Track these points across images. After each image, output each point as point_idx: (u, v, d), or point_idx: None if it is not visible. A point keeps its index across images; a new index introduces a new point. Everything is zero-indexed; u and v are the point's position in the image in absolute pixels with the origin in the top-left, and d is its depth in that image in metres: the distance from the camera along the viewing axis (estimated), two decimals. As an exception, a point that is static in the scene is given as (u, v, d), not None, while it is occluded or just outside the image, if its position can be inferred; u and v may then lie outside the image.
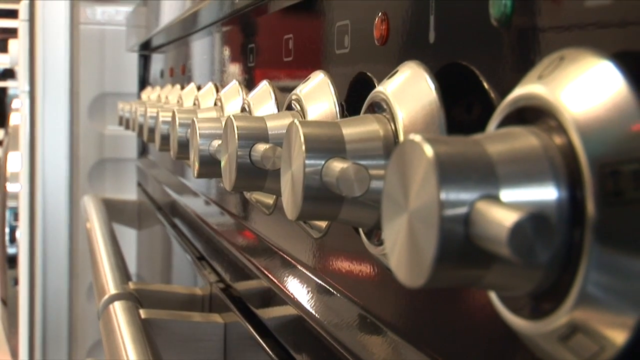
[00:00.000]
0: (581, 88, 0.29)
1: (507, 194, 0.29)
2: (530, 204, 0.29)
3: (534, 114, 0.31)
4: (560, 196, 0.29)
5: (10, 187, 3.29)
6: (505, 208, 0.27)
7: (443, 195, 0.29)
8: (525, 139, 0.30)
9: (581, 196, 0.28)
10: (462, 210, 0.29)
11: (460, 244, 0.29)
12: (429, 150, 0.29)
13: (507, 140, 0.30)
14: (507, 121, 0.32)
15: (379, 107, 0.45)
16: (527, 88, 0.32)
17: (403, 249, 0.32)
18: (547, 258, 0.27)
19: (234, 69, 0.95)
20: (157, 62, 1.74)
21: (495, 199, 0.29)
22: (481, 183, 0.29)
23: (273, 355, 0.72)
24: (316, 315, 0.61)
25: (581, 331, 0.29)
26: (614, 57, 0.30)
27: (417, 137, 0.30)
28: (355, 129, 0.44)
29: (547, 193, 0.29)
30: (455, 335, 0.42)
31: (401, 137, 0.43)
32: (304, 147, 0.44)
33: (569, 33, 0.33)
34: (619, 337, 0.28)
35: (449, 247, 0.29)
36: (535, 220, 0.26)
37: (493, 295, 0.33)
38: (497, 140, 0.30)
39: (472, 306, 0.40)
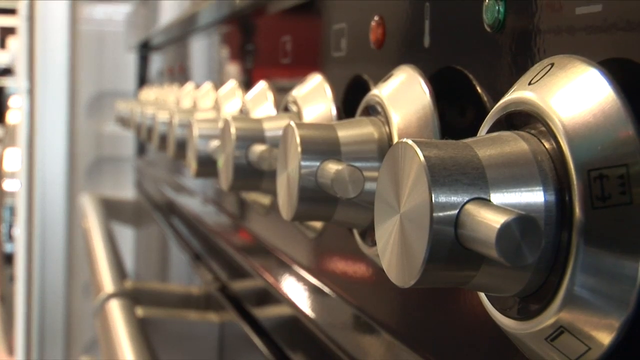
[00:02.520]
0: (570, 94, 0.30)
1: (497, 197, 0.30)
2: (518, 207, 0.29)
3: (524, 119, 0.32)
4: (548, 199, 0.30)
5: (8, 185, 3.29)
6: (494, 210, 0.28)
7: (434, 198, 0.29)
8: (515, 143, 0.31)
9: (569, 200, 0.29)
10: (452, 212, 0.29)
11: (450, 245, 0.29)
12: (420, 154, 0.30)
13: (498, 144, 0.31)
14: (498, 126, 0.33)
15: (374, 110, 0.46)
16: (518, 93, 0.32)
17: (394, 250, 0.32)
18: (534, 260, 0.27)
19: (232, 69, 0.96)
20: (156, 62, 1.74)
21: (484, 201, 0.29)
22: (471, 186, 0.29)
23: (268, 354, 0.73)
24: (311, 314, 0.62)
25: (568, 332, 0.29)
26: (603, 64, 0.30)
27: (408, 141, 0.31)
28: (350, 132, 0.45)
29: (535, 196, 0.30)
30: (448, 335, 0.42)
31: (395, 140, 0.43)
32: (299, 149, 0.44)
33: (560, 39, 0.34)
34: (605, 337, 0.29)
35: (439, 248, 0.29)
36: (522, 222, 0.27)
37: (483, 296, 0.34)
38: (488, 144, 0.31)
39: (465, 307, 0.41)
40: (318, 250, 0.61)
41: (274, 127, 0.60)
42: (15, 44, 3.43)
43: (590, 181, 0.28)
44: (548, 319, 0.30)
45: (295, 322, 0.66)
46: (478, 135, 0.34)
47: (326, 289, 0.59)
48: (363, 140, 0.44)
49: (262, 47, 0.83)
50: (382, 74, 0.47)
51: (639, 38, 0.30)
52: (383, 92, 0.45)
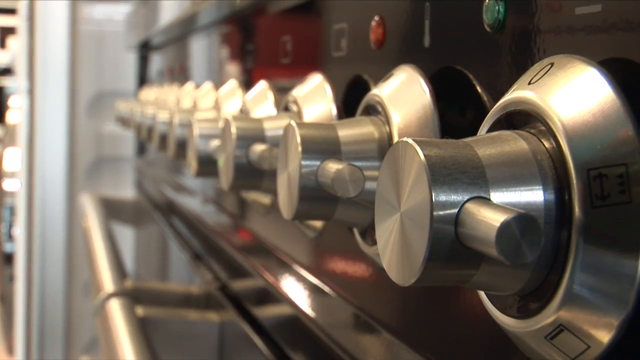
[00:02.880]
0: (570, 94, 0.30)
1: (496, 196, 0.30)
2: (518, 206, 0.30)
3: (524, 119, 0.32)
4: (547, 198, 0.30)
5: (8, 185, 3.29)
6: (494, 209, 0.28)
7: (434, 197, 0.29)
8: (515, 142, 0.31)
9: (568, 198, 0.29)
10: (452, 211, 0.29)
11: (450, 244, 0.29)
12: (420, 153, 0.30)
13: (497, 143, 0.31)
14: (497, 125, 0.33)
15: (374, 110, 0.46)
16: (518, 93, 0.32)
17: (395, 248, 0.32)
18: (534, 258, 0.27)
19: (232, 69, 0.96)
20: (156, 61, 1.74)
21: (484, 200, 0.29)
22: (471, 185, 0.30)
23: (268, 354, 0.73)
24: (311, 314, 0.62)
25: (567, 330, 0.30)
26: (603, 63, 0.30)
27: (409, 140, 0.31)
28: (350, 131, 0.45)
29: (535, 195, 0.30)
30: (448, 334, 0.43)
31: (395, 139, 0.44)
32: (300, 148, 0.44)
33: (560, 39, 0.34)
34: (604, 336, 0.29)
35: (439, 246, 0.29)
36: (522, 221, 0.27)
37: (482, 295, 0.34)
38: (488, 143, 0.31)
39: (465, 306, 0.41)
40: (318, 250, 0.62)
41: (274, 126, 0.60)
42: (15, 44, 3.44)
43: (590, 180, 0.29)
44: (547, 317, 0.30)
45: (295, 322, 0.66)
46: (478, 134, 0.34)
47: (326, 289, 0.59)
48: (363, 139, 0.45)
49: (262, 47, 0.83)
50: (382, 74, 0.47)
51: (638, 38, 0.30)
52: (383, 91, 0.45)
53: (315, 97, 0.59)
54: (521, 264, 0.29)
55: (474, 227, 0.28)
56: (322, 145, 0.45)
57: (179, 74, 1.35)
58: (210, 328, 0.99)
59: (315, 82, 0.60)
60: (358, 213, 0.45)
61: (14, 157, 3.01)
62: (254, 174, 0.59)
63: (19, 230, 2.36)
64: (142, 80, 1.94)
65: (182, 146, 0.89)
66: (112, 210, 1.84)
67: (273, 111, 0.72)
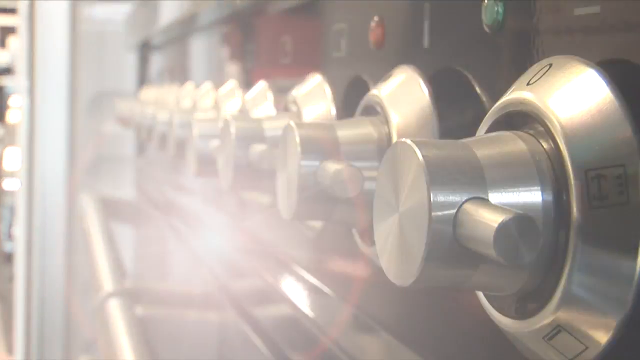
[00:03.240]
0: (568, 95, 0.30)
1: (495, 197, 0.30)
2: (516, 207, 0.30)
3: (522, 119, 0.32)
4: (546, 199, 0.30)
5: (8, 184, 3.30)
6: (492, 210, 0.28)
7: (432, 197, 0.29)
8: (514, 143, 0.31)
9: (566, 199, 0.29)
10: (450, 211, 0.29)
11: (449, 244, 0.29)
12: (419, 153, 0.30)
13: (496, 144, 0.31)
14: (496, 126, 0.33)
15: (373, 110, 0.46)
16: (517, 94, 0.32)
17: (393, 249, 0.33)
18: (532, 259, 0.27)
19: (232, 69, 0.96)
20: (156, 61, 1.74)
21: (483, 201, 0.29)
22: (469, 185, 0.30)
23: (267, 354, 0.73)
24: (311, 314, 0.62)
25: (566, 331, 0.30)
26: (601, 64, 0.30)
27: (407, 140, 0.31)
28: (349, 132, 0.45)
29: (533, 196, 0.30)
30: (448, 335, 0.43)
31: (394, 140, 0.44)
32: (299, 149, 0.44)
33: (559, 40, 0.34)
34: (602, 337, 0.29)
35: (437, 247, 0.30)
36: (520, 221, 0.27)
37: (481, 295, 0.34)
38: (486, 144, 0.31)
39: (464, 306, 0.41)
40: (318, 250, 0.62)
41: (274, 126, 0.60)
42: (15, 44, 3.44)
43: (588, 181, 0.29)
44: (545, 318, 0.30)
45: (295, 322, 0.66)
46: (477, 135, 0.34)
47: (326, 289, 0.59)
48: (362, 140, 0.45)
49: (262, 47, 0.83)
50: (382, 74, 0.47)
51: (637, 39, 0.30)
52: (382, 92, 0.45)
53: (315, 97, 0.59)
54: (519, 265, 0.29)
55: (472, 227, 0.28)
56: (321, 145, 0.45)
57: (179, 74, 1.35)
58: (210, 328, 0.99)
59: (315, 82, 0.60)
60: (357, 213, 0.45)
61: (14, 157, 3.01)
62: (253, 174, 0.59)
63: (18, 230, 2.36)
64: (142, 80, 1.94)
65: (182, 146, 0.89)
66: (112, 210, 1.84)
67: (273, 111, 0.72)
